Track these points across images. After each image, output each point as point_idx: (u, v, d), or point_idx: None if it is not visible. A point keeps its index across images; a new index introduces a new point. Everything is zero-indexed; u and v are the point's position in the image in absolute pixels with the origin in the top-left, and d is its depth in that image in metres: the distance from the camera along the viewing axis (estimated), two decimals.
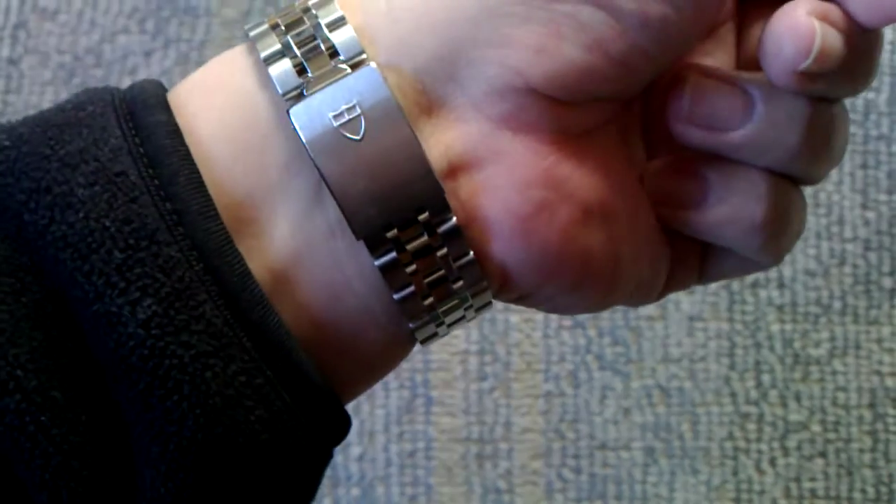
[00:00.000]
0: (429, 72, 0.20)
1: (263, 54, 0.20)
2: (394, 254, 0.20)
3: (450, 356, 0.50)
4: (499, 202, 0.20)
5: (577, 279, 0.21)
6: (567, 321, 0.51)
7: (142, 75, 0.50)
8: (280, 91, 0.19)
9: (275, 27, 0.20)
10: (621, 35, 0.20)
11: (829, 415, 0.51)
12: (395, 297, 0.20)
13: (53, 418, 0.18)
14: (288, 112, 0.19)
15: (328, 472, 0.51)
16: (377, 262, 0.20)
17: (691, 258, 0.24)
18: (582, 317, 0.51)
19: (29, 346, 0.18)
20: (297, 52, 0.20)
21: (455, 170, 0.20)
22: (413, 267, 0.20)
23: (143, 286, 0.18)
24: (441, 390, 0.50)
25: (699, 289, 0.51)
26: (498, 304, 0.51)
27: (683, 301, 0.51)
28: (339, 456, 0.50)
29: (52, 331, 0.18)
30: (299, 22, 0.20)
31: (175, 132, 0.19)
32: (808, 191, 0.51)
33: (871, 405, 0.51)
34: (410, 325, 0.21)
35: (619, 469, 0.51)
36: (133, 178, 0.19)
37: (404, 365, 0.50)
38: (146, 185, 0.19)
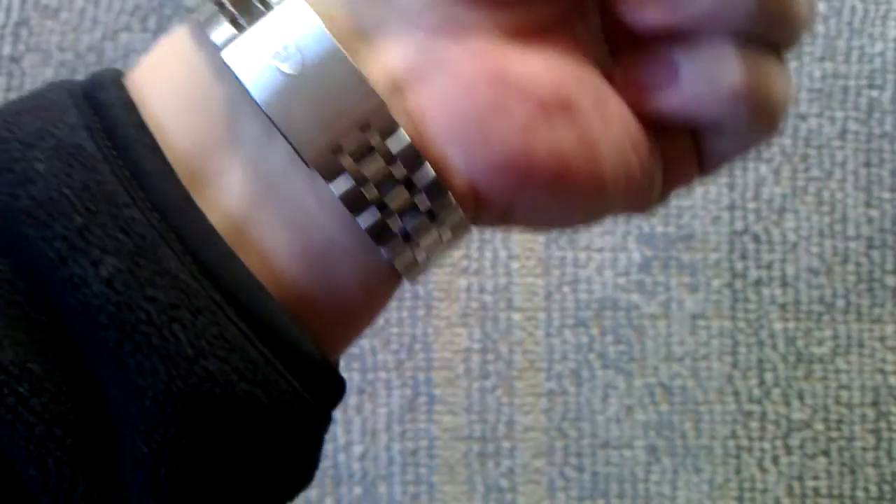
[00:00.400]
0: None
1: (201, 18, 0.20)
2: (349, 178, 0.20)
3: (452, 354, 0.50)
4: (450, 110, 0.20)
5: (554, 180, 0.21)
6: (570, 320, 0.51)
7: None
8: (215, 42, 0.20)
9: None
10: None
11: (832, 413, 0.51)
12: (360, 221, 0.20)
13: (32, 389, 0.18)
14: (222, 56, 0.20)
15: (330, 470, 0.51)
16: (334, 188, 0.20)
17: (685, 150, 0.24)
18: (584, 315, 0.51)
19: (4, 323, 0.18)
20: (231, 8, 0.20)
21: (400, 87, 0.20)
22: (373, 190, 0.20)
23: (104, 246, 0.18)
24: (443, 389, 0.50)
25: (702, 287, 0.51)
26: (500, 303, 0.51)
27: (686, 299, 0.51)
28: (341, 454, 0.50)
29: (25, 307, 0.19)
30: None
31: (128, 105, 0.20)
32: (810, 189, 0.51)
33: (875, 403, 0.51)
34: (383, 251, 0.20)
35: (621, 467, 0.51)
36: (90, 150, 0.19)
37: (407, 363, 0.50)
38: (103, 154, 0.19)
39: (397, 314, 0.50)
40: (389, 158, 0.20)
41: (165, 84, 0.21)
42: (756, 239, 0.51)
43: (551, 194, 0.21)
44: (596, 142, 0.21)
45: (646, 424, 0.51)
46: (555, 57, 0.21)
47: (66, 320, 0.19)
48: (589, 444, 0.50)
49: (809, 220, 0.51)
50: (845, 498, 0.51)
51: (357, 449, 0.50)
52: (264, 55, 0.19)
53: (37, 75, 0.50)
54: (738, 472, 0.51)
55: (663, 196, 0.24)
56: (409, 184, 0.20)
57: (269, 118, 0.19)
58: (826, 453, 0.51)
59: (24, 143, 0.19)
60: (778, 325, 0.51)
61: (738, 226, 0.51)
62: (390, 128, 0.20)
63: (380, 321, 0.50)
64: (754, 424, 0.51)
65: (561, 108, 0.21)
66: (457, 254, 0.50)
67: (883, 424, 0.51)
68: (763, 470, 0.51)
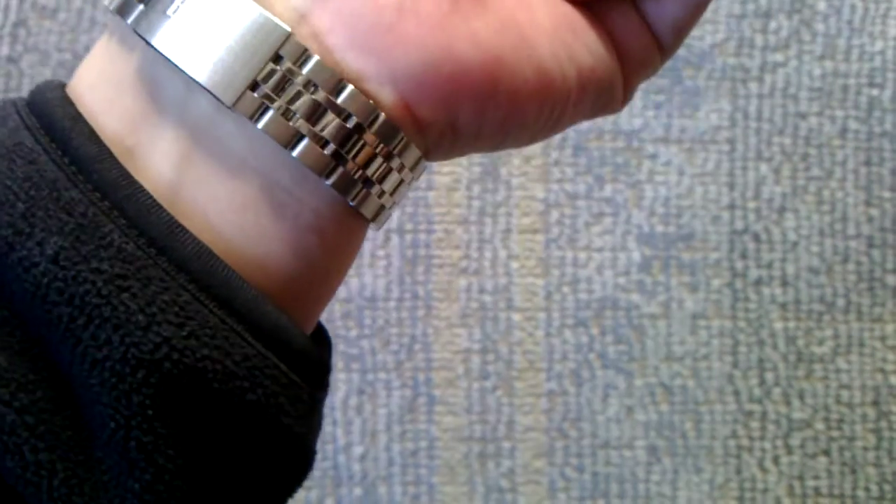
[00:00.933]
0: None
1: (112, 6, 0.21)
2: (272, 111, 0.20)
3: (452, 355, 0.50)
4: (355, 22, 0.20)
5: (489, 76, 0.21)
6: (569, 320, 0.51)
7: None
8: (124, 21, 0.20)
9: None
10: None
11: (833, 413, 0.51)
12: (293, 154, 0.20)
13: None
14: (129, 25, 0.20)
15: (330, 472, 0.51)
16: (259, 125, 0.20)
17: (636, 28, 0.23)
18: (584, 315, 0.50)
19: None
20: None
21: (304, 14, 0.20)
22: (301, 121, 0.20)
23: (47, 227, 0.19)
24: (443, 389, 0.50)
25: (702, 287, 0.51)
26: (499, 303, 0.51)
27: (686, 299, 0.51)
28: (341, 455, 0.50)
29: None
30: None
31: (65, 102, 0.20)
32: (810, 188, 0.51)
33: (875, 403, 0.51)
34: (327, 182, 0.20)
35: (622, 468, 0.50)
36: (29, 145, 0.20)
37: (407, 364, 0.50)
38: (42, 147, 0.20)
39: (397, 314, 0.50)
40: (308, 84, 0.20)
41: (93, 75, 0.21)
42: (756, 238, 0.51)
43: (492, 93, 0.21)
44: (523, 28, 0.21)
45: (646, 424, 0.50)
46: None
47: (24, 307, 0.19)
48: (589, 445, 0.50)
49: (810, 220, 0.51)
50: (846, 497, 0.51)
51: (357, 450, 0.50)
52: (168, 14, 0.20)
53: (35, 76, 0.50)
54: (738, 471, 0.51)
55: (629, 88, 0.24)
56: (331, 104, 0.20)
57: (181, 70, 0.20)
58: (827, 453, 0.51)
59: None
60: (778, 325, 0.51)
61: (739, 225, 0.51)
62: (301, 54, 0.20)
63: (379, 321, 0.50)
64: (755, 424, 0.51)
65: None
66: (456, 254, 0.50)
67: (884, 424, 0.51)
68: (764, 470, 0.51)
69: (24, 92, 0.50)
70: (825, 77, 0.51)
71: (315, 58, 0.20)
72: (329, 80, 0.20)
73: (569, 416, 0.50)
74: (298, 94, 0.20)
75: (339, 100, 0.20)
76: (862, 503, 0.51)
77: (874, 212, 0.51)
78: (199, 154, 0.20)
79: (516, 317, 0.50)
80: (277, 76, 0.20)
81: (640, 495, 0.50)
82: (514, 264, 0.51)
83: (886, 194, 0.51)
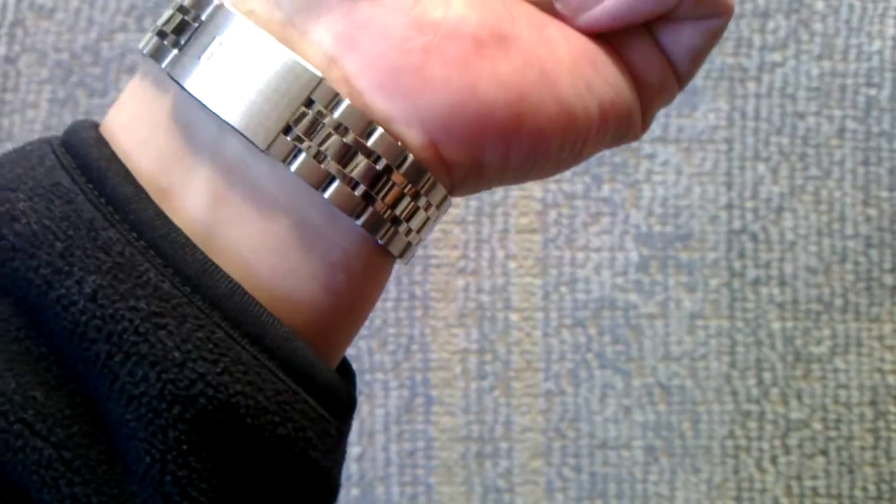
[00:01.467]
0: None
1: (146, 50, 0.21)
2: (303, 153, 0.20)
3: (449, 355, 0.50)
4: (383, 65, 0.21)
5: (512, 116, 0.21)
6: (567, 320, 0.51)
7: None
8: (160, 65, 0.21)
9: (153, 30, 0.22)
10: None
11: (831, 413, 0.51)
12: (323, 195, 0.20)
13: (36, 415, 0.19)
14: (164, 69, 0.21)
15: None
16: (291, 167, 0.20)
17: (653, 58, 0.24)
18: (582, 315, 0.50)
19: (6, 358, 0.19)
20: (169, 31, 0.21)
21: (335, 58, 0.21)
22: (332, 163, 0.20)
23: (85, 266, 0.19)
24: (441, 389, 0.50)
25: (700, 287, 0.51)
26: (497, 303, 0.51)
27: (684, 299, 0.51)
28: None
29: (24, 342, 0.20)
30: (172, 17, 0.22)
31: (99, 142, 0.21)
32: (808, 188, 0.51)
33: (873, 403, 0.51)
34: (357, 222, 0.21)
35: (619, 468, 0.50)
36: (66, 185, 0.20)
37: (404, 364, 0.50)
38: (79, 187, 0.20)
39: (394, 315, 0.50)
40: (338, 127, 0.20)
41: (126, 116, 0.22)
42: (754, 238, 0.51)
43: (516, 130, 0.21)
44: (545, 65, 0.22)
45: (644, 424, 0.50)
46: None
47: (62, 344, 0.19)
48: (587, 445, 0.50)
49: (807, 219, 0.51)
50: (844, 497, 0.51)
51: (354, 450, 0.50)
52: (202, 60, 0.20)
53: (32, 76, 0.50)
54: (736, 471, 0.51)
55: (647, 116, 0.24)
56: (361, 146, 0.21)
57: (215, 113, 0.20)
58: (824, 453, 0.51)
59: (6, 189, 0.20)
60: (776, 325, 0.51)
61: (736, 225, 0.51)
62: (332, 98, 0.20)
63: (377, 322, 0.50)
64: (752, 424, 0.51)
65: (495, 39, 0.21)
66: (454, 254, 0.50)
67: (881, 424, 0.51)
68: (761, 470, 0.51)
69: (21, 93, 0.50)
70: (823, 77, 0.51)
71: (346, 102, 0.20)
72: (359, 122, 0.20)
73: (566, 416, 0.50)
74: (329, 137, 0.20)
75: (369, 142, 0.21)
76: (860, 503, 0.51)
77: (872, 211, 0.51)
78: (232, 195, 0.20)
79: (514, 317, 0.50)
80: (309, 119, 0.20)
81: (638, 495, 0.50)
82: (512, 264, 0.51)
83: (884, 194, 0.51)
